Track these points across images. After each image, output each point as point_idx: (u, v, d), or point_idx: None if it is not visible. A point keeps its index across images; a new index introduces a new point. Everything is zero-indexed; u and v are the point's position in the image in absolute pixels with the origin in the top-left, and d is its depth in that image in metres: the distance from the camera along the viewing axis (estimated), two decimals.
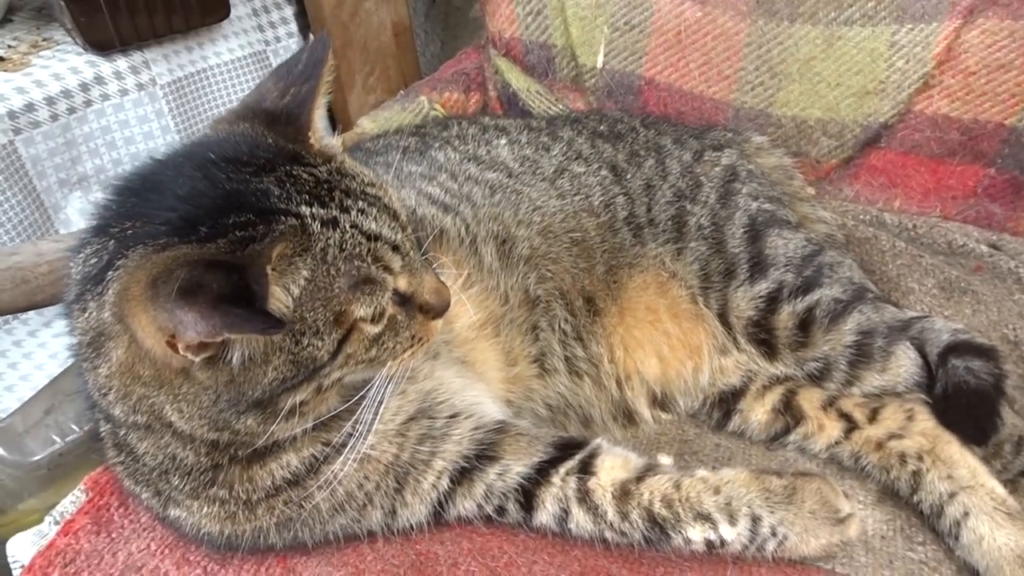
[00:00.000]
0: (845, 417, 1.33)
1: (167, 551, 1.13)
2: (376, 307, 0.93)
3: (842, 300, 1.37)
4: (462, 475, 1.14)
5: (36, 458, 1.70)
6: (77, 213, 1.94)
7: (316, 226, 0.88)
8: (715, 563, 1.09)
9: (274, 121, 0.99)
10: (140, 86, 2.01)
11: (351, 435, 1.03)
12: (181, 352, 0.83)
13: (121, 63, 1.98)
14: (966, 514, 1.15)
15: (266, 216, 0.86)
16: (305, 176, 0.92)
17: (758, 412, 1.39)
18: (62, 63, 1.92)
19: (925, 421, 1.28)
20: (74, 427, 1.70)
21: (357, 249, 0.91)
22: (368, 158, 1.54)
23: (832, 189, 1.82)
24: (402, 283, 0.97)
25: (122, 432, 1.05)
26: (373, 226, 0.93)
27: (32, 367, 1.90)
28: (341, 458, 1.03)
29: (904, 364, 1.33)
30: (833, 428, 1.33)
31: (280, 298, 0.85)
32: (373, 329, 0.95)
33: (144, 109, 2.03)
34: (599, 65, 2.00)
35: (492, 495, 1.14)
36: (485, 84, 2.21)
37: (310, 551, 1.11)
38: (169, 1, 2.00)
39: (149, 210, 0.89)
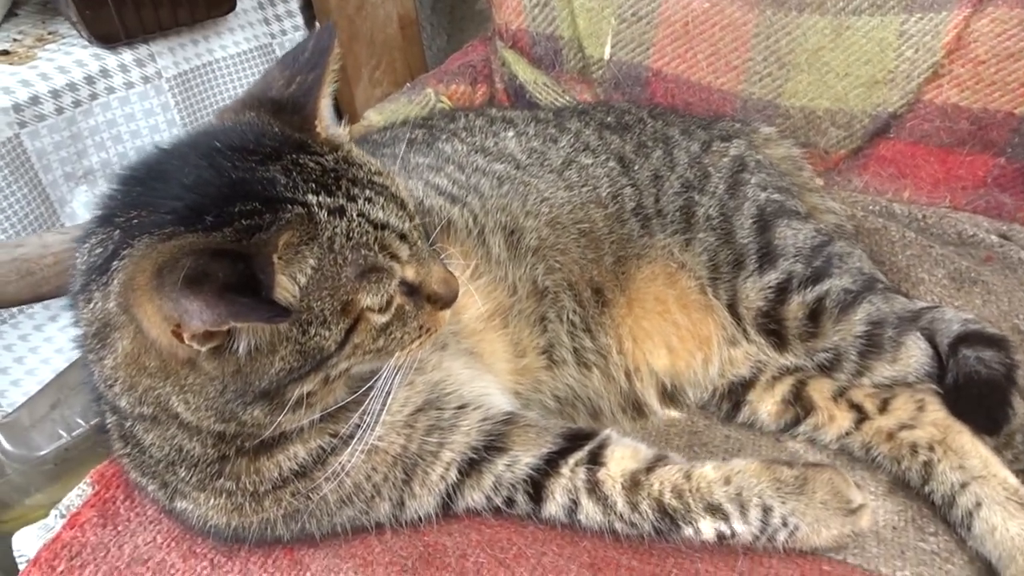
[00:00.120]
0: (856, 408, 1.32)
1: (173, 543, 1.13)
2: (383, 296, 0.92)
3: (852, 290, 1.36)
4: (471, 466, 1.13)
5: (42, 453, 1.69)
6: (83, 207, 1.93)
7: (323, 215, 0.87)
8: (726, 554, 1.08)
9: (280, 110, 0.98)
10: (146, 79, 2.00)
11: (359, 426, 1.02)
12: (187, 342, 0.82)
13: (127, 56, 1.98)
14: (978, 504, 1.14)
15: (272, 205, 0.85)
16: (312, 165, 0.91)
17: (768, 403, 1.39)
18: (67, 56, 1.91)
19: (936, 411, 1.27)
20: (80, 422, 1.69)
21: (364, 238, 0.90)
22: (375, 150, 1.53)
23: (841, 180, 1.81)
24: (410, 272, 0.96)
25: (128, 424, 1.04)
26: (380, 215, 0.92)
27: (38, 361, 1.90)
28: (349, 449, 1.02)
29: (915, 354, 1.32)
30: (844, 419, 1.32)
31: (286, 287, 0.85)
32: (380, 319, 0.94)
33: (150, 102, 2.02)
34: (606, 56, 1.99)
35: (501, 486, 1.13)
36: (492, 76, 2.20)
37: (318, 543, 1.11)
38: None
39: (155, 199, 0.88)
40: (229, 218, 0.83)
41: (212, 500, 1.05)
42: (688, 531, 1.07)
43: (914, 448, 1.23)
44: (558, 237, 1.38)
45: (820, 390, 1.36)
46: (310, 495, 1.05)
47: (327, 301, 0.88)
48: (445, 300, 1.02)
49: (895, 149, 1.75)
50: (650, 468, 1.10)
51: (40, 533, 1.21)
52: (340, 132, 1.02)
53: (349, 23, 2.53)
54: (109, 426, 1.11)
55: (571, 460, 1.12)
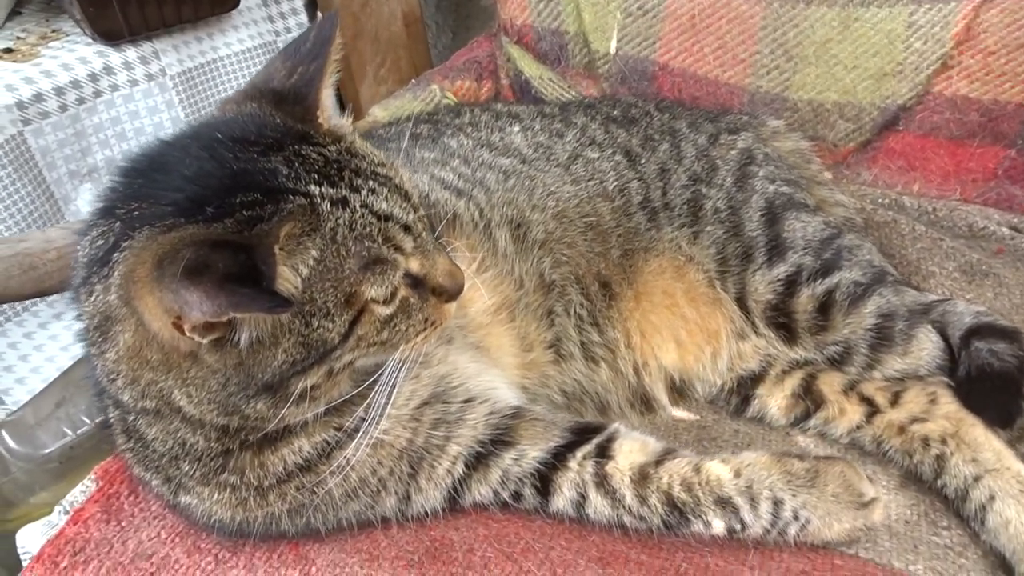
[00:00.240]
0: (867, 401, 1.31)
1: (178, 539, 1.12)
2: (387, 287, 0.91)
3: (862, 283, 1.35)
4: (477, 460, 1.12)
5: (47, 451, 1.69)
6: (87, 205, 1.93)
7: (325, 206, 0.87)
8: (736, 548, 1.07)
9: (282, 101, 0.97)
10: (150, 76, 2.00)
11: (364, 420, 1.01)
12: (188, 334, 0.81)
13: (131, 53, 1.97)
14: (992, 498, 1.12)
15: (274, 196, 0.85)
16: (314, 156, 0.90)
17: (777, 397, 1.37)
18: (71, 53, 1.91)
19: (948, 404, 1.26)
20: (85, 420, 1.69)
21: (367, 229, 0.89)
22: (380, 145, 1.49)
23: (850, 173, 1.80)
24: (414, 264, 0.95)
25: (131, 418, 1.03)
26: (384, 206, 0.91)
27: (43, 359, 1.89)
28: (354, 443, 1.01)
29: (926, 347, 1.31)
30: (854, 412, 1.30)
31: (288, 278, 0.84)
32: (385, 311, 0.93)
33: (154, 100, 2.02)
34: (612, 51, 1.98)
35: (508, 480, 1.12)
36: (497, 72, 2.19)
37: (323, 538, 1.09)
38: None
39: (155, 191, 0.88)
40: (230, 209, 0.82)
41: (216, 495, 1.04)
42: (698, 525, 1.06)
43: (926, 441, 1.21)
44: (565, 230, 1.37)
45: (830, 384, 1.34)
46: (315, 489, 1.04)
47: (330, 293, 0.87)
48: (450, 293, 1.01)
49: (904, 142, 1.74)
50: (659, 461, 1.09)
51: (44, 530, 1.20)
52: (343, 123, 1.01)
53: (354, 20, 2.53)
54: (112, 421, 1.10)
55: (579, 453, 1.11)
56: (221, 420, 0.94)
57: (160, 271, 0.76)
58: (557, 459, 1.11)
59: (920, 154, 1.72)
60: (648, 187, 1.45)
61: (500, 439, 1.13)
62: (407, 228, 0.93)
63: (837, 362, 1.35)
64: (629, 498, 1.07)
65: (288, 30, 2.36)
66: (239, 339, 0.84)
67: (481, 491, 1.12)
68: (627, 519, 1.08)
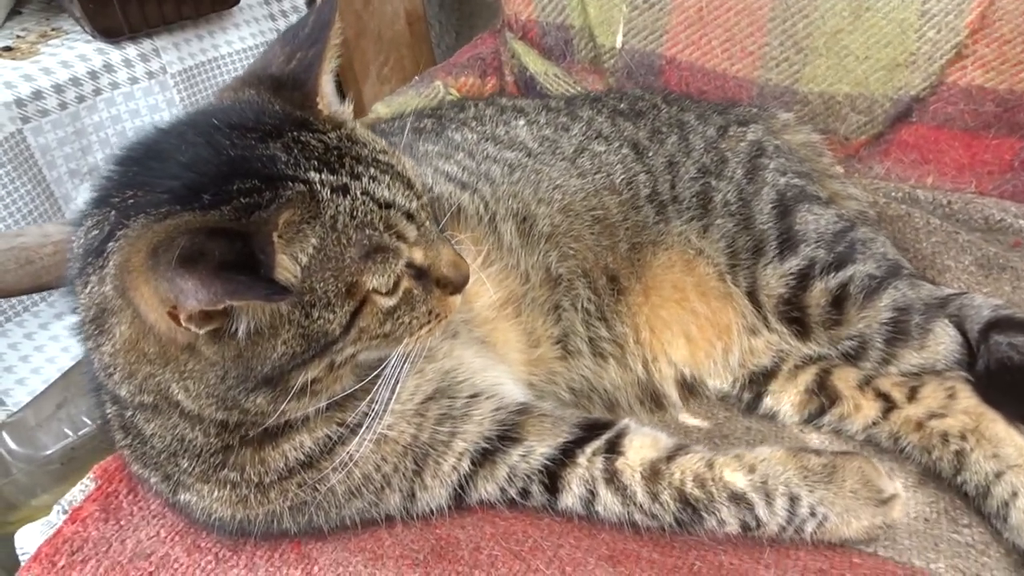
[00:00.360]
0: (883, 397, 1.28)
1: (177, 538, 1.09)
2: (390, 277, 0.88)
3: (877, 276, 1.32)
4: (484, 457, 1.09)
5: (48, 452, 1.68)
6: None
7: (326, 193, 0.84)
8: (751, 546, 1.04)
9: (280, 87, 0.95)
10: (150, 74, 1.98)
11: (367, 415, 0.99)
12: (183, 324, 0.79)
13: (131, 51, 1.96)
14: (1014, 494, 1.09)
15: (273, 182, 0.82)
16: (314, 142, 0.88)
17: (791, 393, 1.34)
18: (70, 51, 1.89)
19: (967, 399, 1.22)
20: (87, 421, 1.67)
21: (369, 217, 0.86)
22: (382, 138, 1.50)
23: (862, 167, 1.77)
24: (417, 254, 0.93)
25: (129, 413, 1.01)
26: (386, 193, 0.89)
27: (44, 360, 1.87)
28: (357, 439, 0.98)
29: (943, 341, 1.28)
30: (870, 408, 1.27)
31: (287, 267, 0.81)
32: (387, 302, 0.91)
33: (155, 98, 2.00)
34: (618, 45, 1.95)
35: (515, 477, 1.09)
36: (501, 68, 2.16)
37: (326, 536, 1.07)
38: None
39: (151, 179, 0.86)
40: (227, 196, 0.80)
41: (216, 492, 1.02)
42: (711, 522, 1.03)
43: (945, 437, 1.18)
44: (571, 224, 1.35)
45: (845, 379, 1.31)
46: (317, 486, 1.01)
47: (331, 282, 0.85)
48: (455, 284, 0.99)
49: (918, 134, 1.71)
50: (671, 457, 1.07)
51: (43, 530, 1.18)
52: (344, 110, 0.99)
53: (356, 18, 2.51)
54: (109, 417, 1.08)
55: (588, 449, 1.09)
56: (220, 415, 0.92)
57: (155, 259, 0.74)
58: (566, 455, 1.09)
59: (934, 146, 1.70)
60: (656, 180, 1.42)
61: (507, 435, 1.10)
62: (410, 216, 0.91)
63: (852, 357, 1.32)
64: (640, 495, 1.04)
65: None
66: (237, 330, 0.82)
67: (488, 488, 1.10)
68: (638, 516, 1.05)
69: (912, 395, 1.26)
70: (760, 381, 1.37)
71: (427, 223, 0.95)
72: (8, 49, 1.90)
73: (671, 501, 1.03)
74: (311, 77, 0.95)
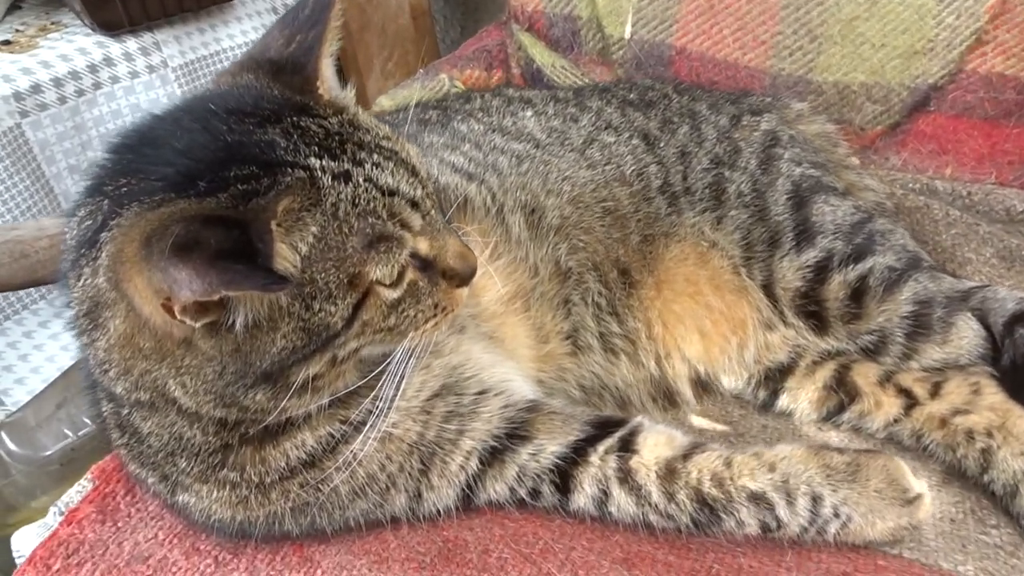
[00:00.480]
0: (904, 393, 1.24)
1: (176, 540, 1.06)
2: (393, 267, 0.85)
3: (896, 268, 1.28)
4: (492, 456, 1.06)
5: (48, 453, 1.67)
6: None
7: (326, 179, 0.81)
8: (771, 548, 1.00)
9: (279, 71, 0.92)
10: (151, 68, 1.95)
11: (371, 412, 0.96)
12: (178, 317, 0.76)
13: (131, 44, 1.93)
14: None
15: (271, 169, 0.79)
16: (314, 128, 0.85)
17: (809, 390, 1.30)
18: (70, 44, 1.87)
19: (993, 395, 1.19)
20: (87, 421, 1.66)
21: (372, 205, 0.83)
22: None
23: (878, 158, 1.73)
24: (423, 245, 0.90)
25: (125, 411, 0.98)
26: (389, 180, 0.86)
27: (43, 359, 1.85)
28: (361, 437, 0.95)
29: (966, 335, 1.24)
30: (891, 405, 1.23)
31: (287, 256, 0.78)
32: (391, 294, 0.88)
33: (156, 92, 1.97)
34: (627, 36, 1.91)
35: (525, 477, 1.06)
36: (507, 61, 2.13)
37: (329, 538, 1.04)
38: None
39: (145, 166, 0.83)
40: (224, 183, 0.77)
41: (215, 493, 0.99)
42: (730, 523, 0.99)
43: (970, 434, 1.14)
44: (581, 216, 1.31)
45: (865, 375, 1.27)
46: (320, 487, 0.98)
47: (332, 273, 0.81)
48: (462, 276, 0.95)
49: (936, 123, 1.67)
50: (687, 455, 1.03)
51: (39, 532, 1.15)
52: (345, 95, 0.95)
53: (360, 12, 2.48)
54: (105, 415, 1.04)
55: (600, 448, 1.05)
56: (218, 412, 0.89)
57: (148, 249, 0.71)
58: (577, 454, 1.05)
59: (952, 136, 1.66)
60: (668, 171, 1.39)
61: (516, 433, 1.07)
62: (414, 204, 0.88)
63: (872, 352, 1.28)
64: (655, 495, 1.01)
65: None
66: (234, 322, 0.79)
67: (496, 488, 1.06)
68: (653, 517, 1.02)
69: (935, 391, 1.22)
70: (776, 378, 1.34)
71: (432, 212, 0.92)
72: (7, 43, 1.87)
73: (688, 501, 1.00)
74: (311, 60, 0.92)
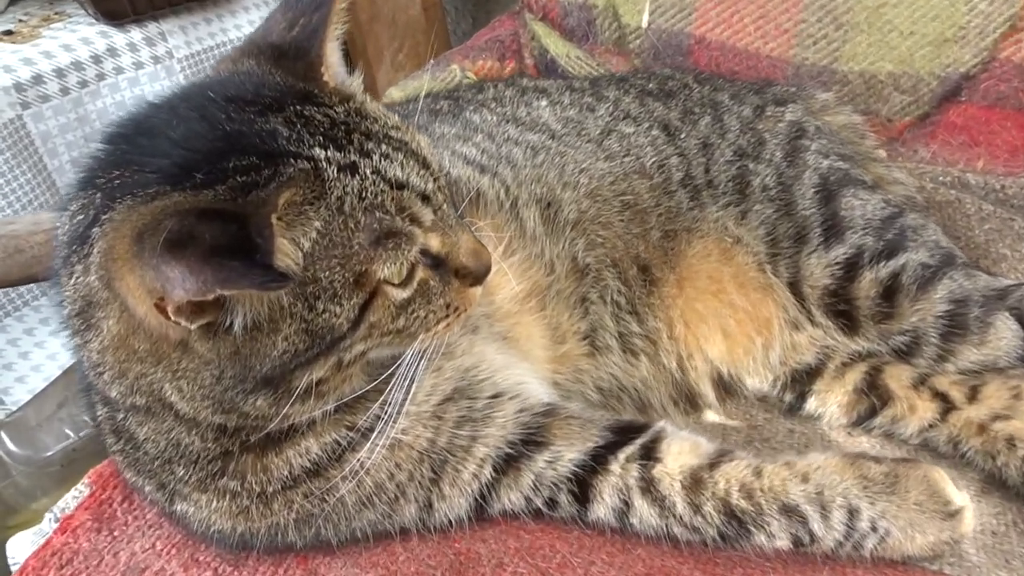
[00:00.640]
0: (940, 397, 1.19)
1: (174, 551, 1.02)
2: (402, 265, 0.81)
3: (930, 265, 1.23)
4: (507, 463, 1.01)
5: (49, 453, 1.65)
6: None
7: (332, 171, 0.77)
8: (803, 564, 0.95)
9: (282, 56, 0.88)
10: (156, 59, 1.91)
11: (379, 417, 0.91)
12: (172, 317, 0.71)
13: (135, 34, 1.89)
14: None
15: (273, 160, 0.75)
16: (319, 117, 0.81)
17: (838, 393, 1.26)
18: (72, 34, 1.83)
19: None
20: (89, 421, 1.61)
21: (380, 198, 0.79)
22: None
23: (906, 151, 1.66)
24: (434, 241, 0.85)
25: (120, 416, 0.94)
26: (398, 173, 0.81)
27: (44, 356, 1.83)
28: (368, 444, 0.91)
29: (1005, 336, 1.18)
30: (926, 409, 1.18)
31: (288, 253, 0.74)
32: (401, 294, 0.83)
33: (161, 84, 1.93)
34: (644, 25, 1.86)
35: (542, 486, 1.01)
36: (521, 51, 2.08)
37: (335, 551, 0.99)
38: None
39: (139, 157, 0.79)
40: (222, 175, 0.73)
41: (215, 502, 0.95)
42: (759, 537, 0.94)
43: (1011, 441, 1.09)
44: (599, 210, 1.27)
45: (898, 377, 1.22)
46: (325, 497, 0.94)
47: (337, 271, 0.77)
48: (476, 275, 0.91)
49: (967, 114, 1.61)
50: (713, 464, 0.98)
51: (34, 539, 1.11)
52: (352, 81, 0.90)
53: (370, 3, 2.44)
54: (100, 419, 1.01)
55: (621, 456, 1.00)
56: (217, 418, 0.85)
57: (140, 246, 0.67)
58: (596, 462, 1.00)
59: (985, 127, 1.59)
60: (689, 163, 1.34)
61: (532, 439, 1.02)
62: (425, 198, 0.83)
63: (904, 354, 1.23)
64: (680, 506, 0.96)
65: None
66: (232, 324, 0.75)
67: (511, 498, 1.02)
68: (677, 530, 0.97)
69: (973, 395, 1.17)
70: (803, 380, 1.29)
71: (444, 206, 0.87)
72: (9, 33, 1.84)
73: (715, 513, 0.95)
74: (315, 44, 0.87)
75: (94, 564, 1.01)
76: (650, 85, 1.52)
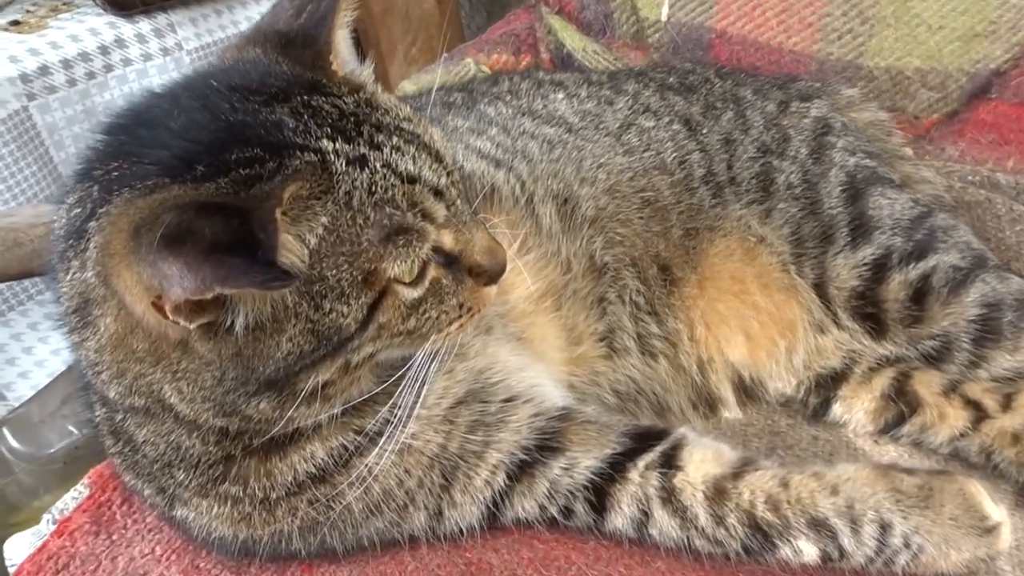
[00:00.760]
0: (972, 404, 1.15)
1: (174, 556, 0.99)
2: (414, 263, 0.77)
3: (962, 267, 1.19)
4: (521, 470, 0.98)
5: (52, 451, 1.64)
6: None
7: (340, 164, 0.74)
8: None
9: (289, 44, 0.85)
10: (165, 51, 1.88)
11: (388, 421, 0.89)
12: (170, 316, 0.68)
13: (144, 25, 1.87)
14: None
15: (278, 151, 0.72)
16: (327, 107, 0.78)
17: (864, 399, 1.22)
18: (80, 24, 1.81)
19: None
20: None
21: (390, 193, 0.76)
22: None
23: (933, 148, 1.63)
24: (447, 239, 0.82)
25: (119, 417, 0.91)
26: (410, 166, 0.78)
27: (48, 352, 1.82)
28: (377, 449, 0.88)
29: None
30: (957, 418, 1.15)
31: (293, 249, 0.70)
32: (412, 293, 0.80)
33: (170, 76, 1.90)
34: (663, 18, 1.83)
35: (557, 494, 0.97)
36: (536, 45, 2.04)
37: (340, 559, 0.97)
38: None
39: (138, 148, 0.76)
40: (224, 167, 0.70)
41: (216, 508, 0.91)
42: (786, 551, 0.91)
43: None
44: (618, 206, 1.23)
45: (927, 384, 1.18)
46: (331, 503, 0.91)
47: (344, 269, 0.74)
48: (491, 273, 0.88)
49: (997, 112, 1.58)
50: (737, 474, 0.94)
51: (32, 541, 1.09)
52: (362, 71, 0.87)
53: None
54: (98, 420, 0.98)
55: (640, 463, 0.97)
56: (219, 421, 0.82)
57: (137, 241, 0.64)
58: (614, 469, 0.97)
59: (1016, 125, 1.56)
60: (711, 159, 1.30)
61: (547, 445, 0.99)
62: (438, 193, 0.80)
63: (934, 359, 1.19)
64: (702, 517, 0.92)
65: None
66: (233, 323, 0.72)
67: (525, 506, 0.98)
68: (699, 542, 0.93)
69: (1007, 403, 1.13)
70: (829, 385, 1.25)
71: (458, 202, 0.84)
72: (16, 23, 1.82)
73: (739, 526, 0.91)
74: (323, 32, 0.84)
75: (91, 569, 0.99)
76: (670, 79, 1.48)
